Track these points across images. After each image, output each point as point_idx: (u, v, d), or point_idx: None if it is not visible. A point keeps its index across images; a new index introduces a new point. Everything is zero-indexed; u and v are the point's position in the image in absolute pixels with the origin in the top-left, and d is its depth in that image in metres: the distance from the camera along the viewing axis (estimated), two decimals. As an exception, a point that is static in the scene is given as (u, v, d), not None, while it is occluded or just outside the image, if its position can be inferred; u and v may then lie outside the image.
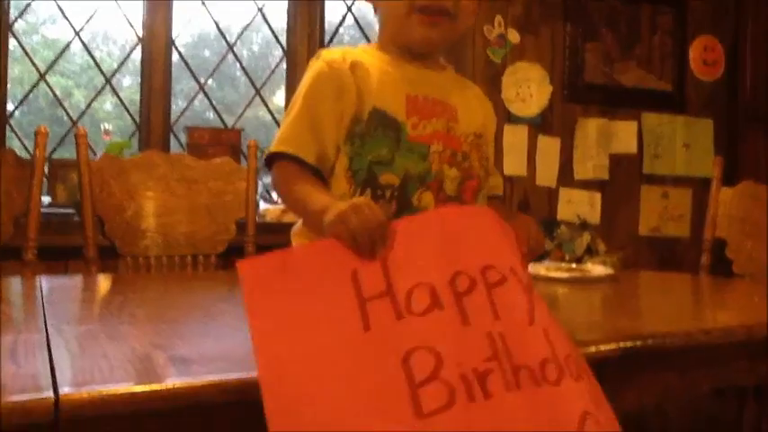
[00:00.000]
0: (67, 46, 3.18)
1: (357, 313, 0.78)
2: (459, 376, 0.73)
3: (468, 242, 0.85)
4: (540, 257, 2.26)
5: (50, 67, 3.15)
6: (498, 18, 3.08)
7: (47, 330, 0.95)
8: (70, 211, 2.62)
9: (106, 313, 1.20)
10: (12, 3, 3.03)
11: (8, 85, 3.02)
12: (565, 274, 1.69)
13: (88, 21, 3.16)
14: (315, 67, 1.05)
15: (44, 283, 1.46)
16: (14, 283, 1.51)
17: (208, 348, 0.90)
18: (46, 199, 2.67)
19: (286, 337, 0.77)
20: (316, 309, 0.79)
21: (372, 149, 1.00)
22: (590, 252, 2.65)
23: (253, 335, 0.77)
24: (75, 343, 0.90)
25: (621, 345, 1.00)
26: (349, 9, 3.49)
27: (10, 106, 3.08)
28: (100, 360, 0.80)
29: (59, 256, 2.40)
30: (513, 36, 3.10)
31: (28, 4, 3.12)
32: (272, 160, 1.04)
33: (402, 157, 1.00)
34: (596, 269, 1.77)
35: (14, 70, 3.19)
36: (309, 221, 1.01)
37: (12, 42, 3.05)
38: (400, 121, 1.01)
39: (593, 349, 0.97)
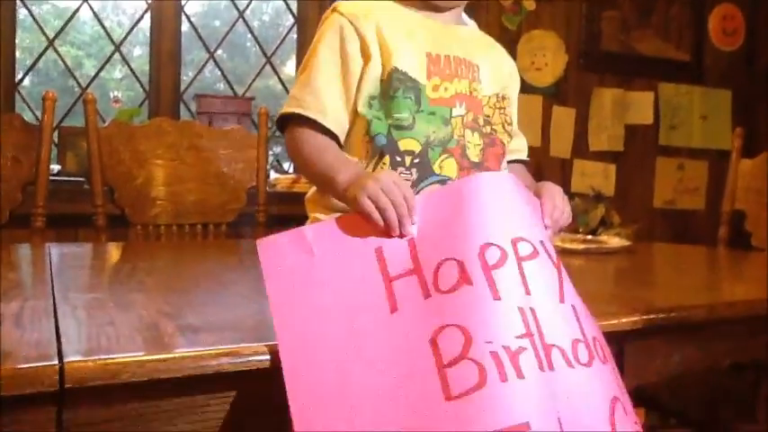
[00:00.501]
0: (76, 11, 3.15)
1: (383, 294, 0.75)
2: (489, 354, 0.69)
3: (497, 212, 0.81)
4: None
5: (58, 33, 3.12)
6: (514, -16, 3.02)
7: (54, 297, 0.93)
8: (80, 179, 2.61)
9: (115, 281, 1.18)
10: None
11: (18, 54, 3.00)
12: (581, 246, 1.66)
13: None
14: (330, 20, 0.99)
15: (53, 250, 1.45)
16: (23, 250, 1.49)
17: (217, 317, 0.88)
18: (55, 167, 2.66)
19: (309, 322, 0.73)
20: (339, 290, 0.75)
21: (392, 111, 0.95)
22: (604, 224, 2.62)
23: (275, 318, 0.74)
24: (82, 310, 0.88)
25: (644, 317, 0.97)
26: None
27: (20, 75, 3.05)
28: (107, 328, 0.79)
29: (70, 224, 2.38)
30: (529, 3, 3.04)
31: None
32: (285, 123, 0.99)
33: (423, 121, 0.95)
34: (612, 241, 1.74)
35: (24, 39, 3.16)
36: (329, 190, 0.95)
37: (22, 12, 3.01)
38: (421, 83, 0.96)
39: (614, 321, 0.94)
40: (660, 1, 3.30)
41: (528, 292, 0.75)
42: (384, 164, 0.95)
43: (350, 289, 0.75)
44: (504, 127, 1.04)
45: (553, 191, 0.94)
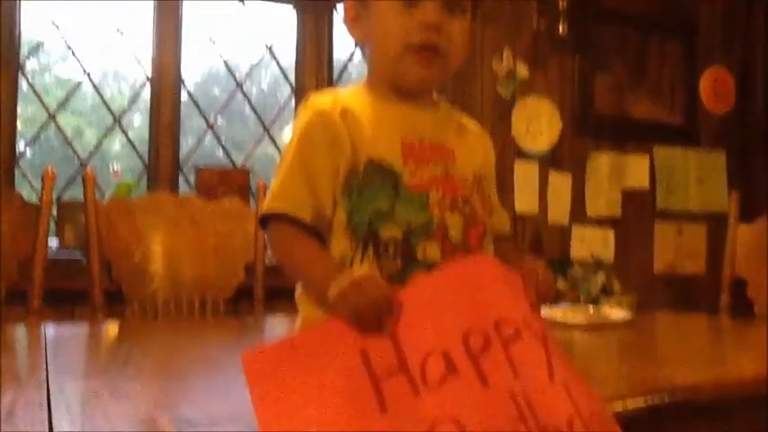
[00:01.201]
0: (77, 86, 3.19)
1: (372, 395, 0.74)
2: None
3: (477, 297, 0.82)
4: (554, 300, 2.21)
5: (60, 107, 3.16)
6: (506, 52, 3.07)
7: (48, 388, 0.91)
8: (78, 255, 2.60)
9: (111, 367, 1.16)
10: (24, 42, 3.05)
11: (18, 126, 3.03)
12: (582, 320, 1.64)
13: (98, 62, 3.17)
14: (305, 117, 0.99)
15: (49, 331, 1.43)
16: (19, 332, 1.48)
17: (214, 408, 0.87)
18: (53, 241, 2.65)
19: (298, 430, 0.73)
20: (327, 396, 0.75)
21: (371, 201, 0.94)
22: (605, 292, 2.60)
23: (260, 428, 0.73)
24: (76, 403, 0.86)
25: (650, 400, 0.95)
26: (357, 46, 3.49)
27: (21, 146, 3.08)
28: (101, 421, 0.77)
29: (66, 300, 2.37)
30: (522, 70, 3.08)
31: (40, 44, 3.14)
32: (266, 219, 0.98)
33: (402, 207, 0.94)
34: (614, 313, 1.73)
35: (26, 110, 3.21)
36: (311, 293, 0.96)
37: (24, 83, 3.06)
38: (397, 170, 0.96)
39: (619, 405, 0.92)
40: (651, 64, 3.36)
41: (516, 376, 0.75)
42: (368, 254, 0.94)
43: (338, 394, 0.75)
44: (482, 205, 1.04)
45: (535, 264, 0.94)
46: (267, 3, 3.45)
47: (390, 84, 1.03)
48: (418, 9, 0.97)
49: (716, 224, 3.24)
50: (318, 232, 0.96)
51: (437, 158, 1.00)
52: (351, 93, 1.04)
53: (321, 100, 1.01)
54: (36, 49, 3.15)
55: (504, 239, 1.11)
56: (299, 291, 1.01)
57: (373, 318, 0.79)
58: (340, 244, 0.96)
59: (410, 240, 0.95)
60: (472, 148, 1.08)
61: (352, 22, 1.06)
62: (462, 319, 0.79)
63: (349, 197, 0.96)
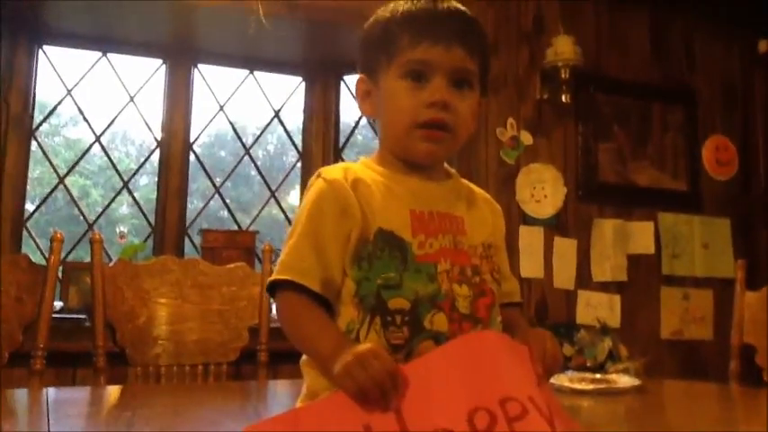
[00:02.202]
0: (88, 150, 3.24)
1: None
2: None
3: (482, 372, 0.82)
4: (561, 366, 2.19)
5: (70, 171, 3.20)
6: (511, 120, 3.12)
7: (50, 456, 0.90)
8: (81, 316, 2.60)
9: (113, 432, 1.15)
10: (36, 106, 3.11)
11: (28, 187, 3.06)
12: (590, 386, 1.62)
13: (109, 125, 3.23)
14: (316, 186, 1.00)
15: (51, 395, 1.42)
16: (21, 396, 1.46)
17: (218, 478, 0.85)
18: (57, 303, 2.65)
19: None
20: None
21: (380, 272, 0.95)
22: (612, 357, 2.57)
23: None
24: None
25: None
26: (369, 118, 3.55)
27: (29, 206, 3.11)
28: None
29: (69, 362, 2.35)
30: (526, 137, 3.13)
31: (53, 108, 3.20)
32: (275, 287, 0.98)
33: (410, 279, 0.95)
34: (622, 380, 1.71)
35: (35, 171, 3.25)
36: (316, 365, 0.95)
37: (33, 144, 3.11)
38: (407, 241, 0.97)
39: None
40: (654, 131, 3.40)
41: None
42: (375, 323, 0.94)
43: None
44: (492, 275, 1.03)
45: (542, 336, 0.94)
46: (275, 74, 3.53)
47: (400, 158, 1.04)
48: (427, 88, 1.00)
49: (722, 290, 3.23)
50: (326, 301, 0.96)
51: (446, 229, 1.01)
52: (361, 165, 1.06)
53: (332, 170, 1.03)
54: (50, 114, 3.21)
55: (513, 308, 1.11)
56: (304, 357, 1.00)
57: (377, 393, 0.79)
58: (348, 313, 0.96)
59: (417, 310, 0.94)
60: (482, 217, 1.08)
61: (362, 98, 1.09)
62: (468, 395, 0.79)
63: (359, 266, 0.96)
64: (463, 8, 1.04)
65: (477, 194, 1.13)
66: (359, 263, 0.96)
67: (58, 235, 1.75)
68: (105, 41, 3.17)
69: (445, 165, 1.10)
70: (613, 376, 1.77)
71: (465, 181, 1.12)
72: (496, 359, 0.84)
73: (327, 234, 0.97)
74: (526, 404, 0.79)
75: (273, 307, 2.79)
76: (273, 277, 0.97)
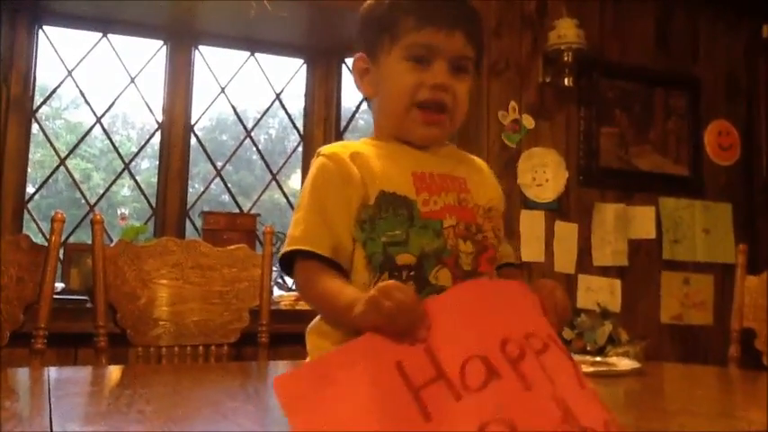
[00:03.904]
0: (89, 132, 3.23)
1: (413, 405, 0.73)
2: None
3: (504, 312, 0.83)
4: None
5: (70, 152, 3.20)
6: (513, 104, 3.11)
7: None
8: (83, 297, 2.60)
9: (114, 411, 1.15)
10: (37, 88, 3.10)
11: (28, 170, 3.06)
12: (590, 369, 1.62)
13: (110, 107, 3.22)
14: (316, 162, 1.05)
15: (52, 374, 1.42)
16: (22, 375, 1.47)
17: (218, 455, 0.85)
18: (59, 285, 2.66)
19: None
20: (368, 412, 0.73)
21: (385, 230, 0.98)
22: (612, 341, 2.58)
23: None
24: (79, 448, 0.85)
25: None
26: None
27: (30, 189, 3.11)
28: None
29: (70, 343, 2.36)
30: (528, 121, 3.12)
31: (53, 91, 3.19)
32: (289, 261, 1.01)
33: (416, 234, 0.98)
34: (622, 363, 1.71)
35: (36, 153, 3.24)
36: (338, 321, 0.97)
37: (34, 126, 3.10)
38: (411, 199, 1.00)
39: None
40: (656, 116, 3.39)
41: (552, 382, 0.76)
42: (383, 279, 0.97)
43: (379, 409, 0.74)
44: (494, 232, 1.06)
45: (551, 286, 0.94)
46: (277, 56, 3.52)
47: (398, 138, 1.06)
48: (428, 70, 1.03)
49: (723, 275, 3.23)
50: (338, 266, 0.99)
51: (449, 188, 1.04)
52: (359, 142, 1.09)
53: (330, 146, 1.06)
54: (50, 95, 3.20)
55: (512, 268, 1.13)
56: (311, 325, 1.02)
57: (405, 320, 0.78)
58: (360, 277, 0.99)
59: (423, 265, 0.98)
60: (482, 180, 1.12)
61: (361, 76, 1.12)
62: (496, 327, 0.79)
63: (362, 229, 0.99)
64: None
65: (475, 160, 1.16)
66: (362, 225, 0.99)
67: (59, 215, 1.74)
68: (105, 22, 3.16)
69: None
70: (613, 359, 1.78)
71: (461, 150, 1.15)
72: (516, 300, 0.85)
73: (332, 202, 1.00)
74: (547, 341, 0.81)
75: (275, 289, 2.80)
76: (284, 250, 1.01)
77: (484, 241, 1.03)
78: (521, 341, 0.78)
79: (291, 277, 1.04)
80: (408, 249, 0.97)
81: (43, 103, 3.16)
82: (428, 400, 0.74)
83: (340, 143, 1.08)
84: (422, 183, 1.02)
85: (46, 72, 3.14)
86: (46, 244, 1.77)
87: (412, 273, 0.97)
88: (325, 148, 1.06)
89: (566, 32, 3.01)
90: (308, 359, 1.02)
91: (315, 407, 0.75)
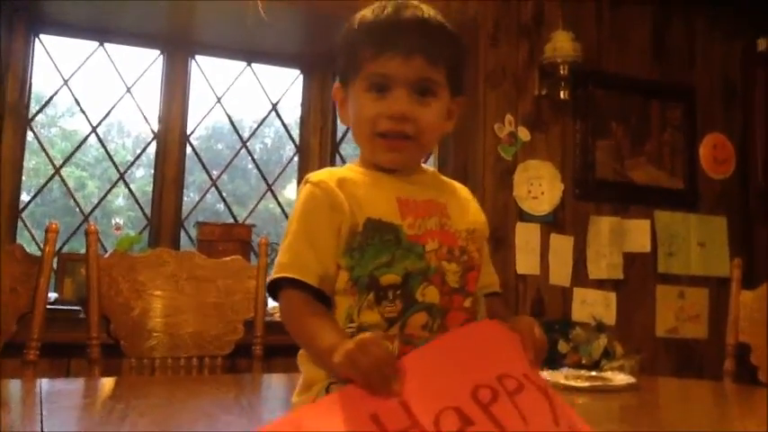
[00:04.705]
0: (84, 141, 3.23)
1: None
2: None
3: (479, 357, 0.85)
4: (556, 363, 2.19)
5: (66, 161, 3.19)
6: (508, 116, 3.11)
7: (42, 447, 0.89)
8: (76, 308, 2.59)
9: (106, 424, 1.14)
10: (32, 96, 3.09)
11: (23, 177, 3.05)
12: (585, 383, 1.62)
13: (106, 116, 3.22)
14: (304, 190, 1.04)
15: (44, 386, 1.41)
16: (14, 386, 1.45)
17: (212, 471, 0.84)
18: (52, 295, 2.64)
19: None
20: None
21: (373, 258, 0.97)
22: (607, 355, 2.57)
23: None
24: (71, 463, 0.84)
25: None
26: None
27: (24, 197, 3.10)
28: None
29: (63, 353, 2.34)
30: (524, 134, 3.12)
31: (49, 99, 3.18)
32: (276, 288, 1.01)
33: (400, 257, 0.98)
34: (617, 377, 1.71)
35: (31, 161, 3.24)
36: (317, 360, 0.97)
37: (29, 134, 3.09)
38: (397, 224, 1.00)
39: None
40: (652, 128, 3.39)
41: (526, 423, 0.78)
42: (369, 300, 0.96)
43: None
44: (478, 252, 1.07)
45: (529, 323, 0.96)
46: (273, 66, 3.52)
47: (374, 165, 1.07)
48: (387, 98, 1.02)
49: (718, 288, 3.24)
50: (323, 295, 0.98)
51: (432, 212, 1.04)
52: (345, 168, 1.10)
53: (318, 174, 1.06)
54: (46, 104, 3.20)
55: (495, 297, 1.13)
56: (302, 350, 1.01)
57: (380, 375, 0.80)
58: (345, 302, 0.98)
59: (409, 283, 0.97)
60: (463, 206, 1.11)
61: (340, 105, 1.12)
62: (468, 376, 0.82)
63: (350, 256, 0.98)
64: (428, 14, 1.05)
65: (457, 187, 1.16)
66: (350, 253, 0.98)
67: (53, 225, 1.74)
68: (102, 31, 3.15)
69: (422, 164, 1.13)
70: (608, 374, 1.77)
71: (443, 176, 1.16)
72: (492, 344, 0.88)
73: (320, 229, 1.00)
74: (522, 380, 0.83)
75: (269, 301, 2.80)
76: (272, 277, 1.00)
77: (470, 261, 1.04)
78: (492, 384, 0.81)
79: (278, 304, 1.03)
80: (392, 270, 0.97)
81: (39, 111, 3.15)
82: None
83: (327, 170, 1.08)
84: (407, 207, 1.02)
85: (42, 80, 3.14)
86: (39, 253, 1.76)
87: (398, 291, 0.96)
88: (313, 176, 1.06)
89: (562, 45, 3.02)
90: (300, 382, 1.02)
91: None
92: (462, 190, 1.16)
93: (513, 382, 0.82)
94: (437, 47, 1.04)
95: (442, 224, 1.03)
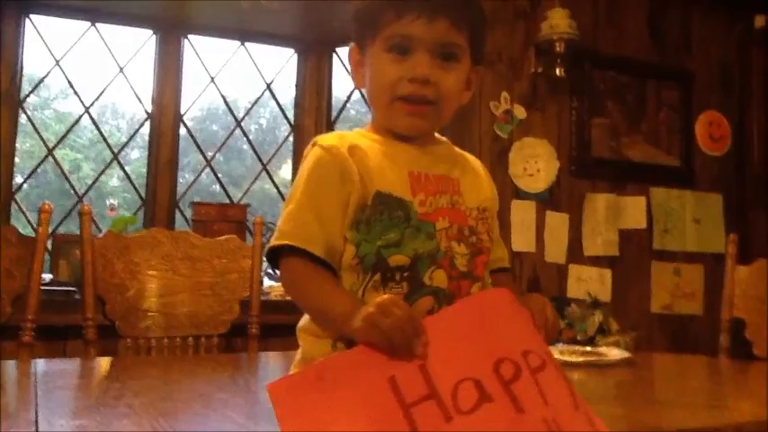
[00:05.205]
0: (77, 122, 3.21)
1: (403, 422, 0.74)
2: None
3: (501, 328, 0.83)
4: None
5: (58, 142, 3.17)
6: (504, 94, 3.10)
7: (37, 426, 0.90)
8: (72, 288, 2.58)
9: (102, 404, 1.14)
10: (25, 78, 3.07)
11: (17, 159, 3.03)
12: (580, 358, 1.63)
13: (98, 96, 3.20)
14: (313, 153, 1.00)
15: (40, 367, 1.41)
16: (9, 367, 1.45)
17: (207, 448, 0.85)
18: (47, 276, 2.64)
19: None
20: (357, 422, 0.74)
21: (381, 234, 0.95)
22: (602, 331, 2.58)
23: None
24: (65, 442, 0.84)
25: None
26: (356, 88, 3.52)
27: (18, 179, 3.08)
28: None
29: (59, 335, 2.35)
30: (520, 112, 3.11)
31: (41, 80, 3.16)
32: (276, 255, 0.97)
33: (410, 237, 0.95)
34: (612, 352, 1.71)
35: (25, 143, 3.22)
36: (330, 327, 0.95)
37: (22, 116, 3.07)
38: (407, 201, 0.97)
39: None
40: (648, 108, 3.38)
41: (546, 403, 0.77)
42: (375, 281, 0.94)
43: (368, 420, 0.74)
44: (488, 235, 1.05)
45: (542, 303, 0.94)
46: (268, 46, 3.50)
47: (387, 129, 1.04)
48: (409, 61, 0.99)
49: (713, 265, 3.24)
50: (330, 266, 0.96)
51: (444, 189, 1.01)
52: (356, 133, 1.06)
53: (328, 137, 1.02)
54: (38, 85, 3.17)
55: (503, 274, 1.12)
56: (302, 323, 1.00)
57: (402, 338, 0.79)
58: (349, 278, 0.96)
59: (417, 266, 0.95)
60: (476, 181, 1.09)
61: (355, 68, 1.08)
62: (491, 347, 0.80)
63: (357, 230, 0.96)
64: None
65: (470, 160, 1.13)
66: (357, 226, 0.96)
67: (47, 206, 1.73)
68: (94, 11, 3.12)
69: (436, 134, 1.09)
70: (603, 349, 1.78)
71: (457, 148, 1.12)
72: (511, 316, 0.86)
73: (328, 200, 0.96)
74: (545, 358, 0.82)
75: (265, 280, 2.79)
76: (275, 243, 0.97)
77: (478, 244, 1.02)
78: (517, 359, 0.79)
79: (276, 270, 1.01)
80: (402, 251, 0.94)
81: (30, 92, 3.13)
82: (419, 418, 0.74)
83: (337, 133, 1.04)
84: (418, 183, 0.99)
85: (34, 62, 3.11)
86: (34, 235, 1.76)
87: (406, 274, 0.94)
88: (323, 139, 1.01)
89: (558, 23, 3.00)
90: (298, 356, 1.00)
91: (306, 415, 0.76)
92: (475, 162, 1.13)
93: (536, 359, 0.80)
94: (461, 10, 1.01)
95: (453, 202, 1.01)
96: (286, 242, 0.95)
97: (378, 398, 0.76)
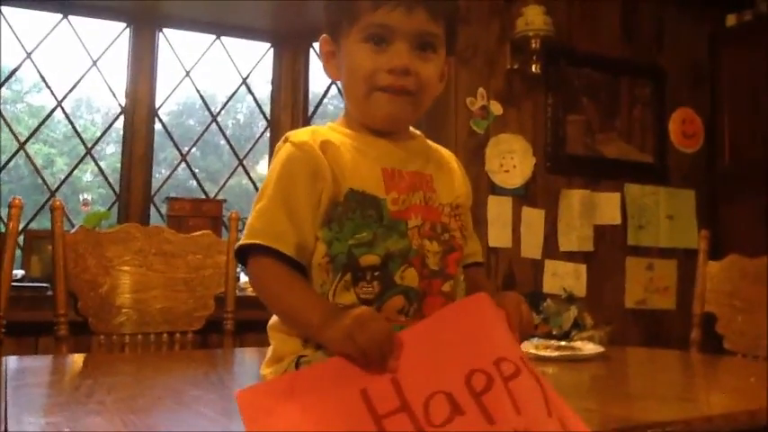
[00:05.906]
0: (49, 115, 3.16)
1: None
2: None
3: (475, 337, 0.83)
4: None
5: (30, 136, 3.13)
6: (481, 90, 3.11)
7: (5, 424, 0.88)
8: (44, 284, 2.55)
9: (73, 401, 1.13)
10: (-4, 71, 3.02)
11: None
12: (554, 353, 1.64)
13: (71, 90, 3.15)
14: (284, 150, 0.99)
15: (10, 364, 1.39)
16: (-22, 365, 1.43)
17: (178, 445, 0.84)
18: (19, 272, 2.60)
19: None
20: None
21: (353, 233, 0.94)
22: (577, 326, 2.61)
23: None
24: (34, 440, 0.83)
25: (620, 438, 0.94)
26: (332, 82, 3.51)
27: (-12, 174, 3.03)
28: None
29: (30, 332, 2.32)
30: (496, 108, 3.12)
31: (11, 73, 3.11)
32: (246, 253, 0.96)
33: (382, 236, 0.94)
34: (586, 347, 1.73)
35: (-3, 138, 3.17)
36: (300, 329, 0.94)
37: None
38: (380, 198, 0.96)
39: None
40: (622, 104, 3.41)
41: (519, 412, 0.77)
42: (346, 281, 0.94)
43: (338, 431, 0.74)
44: (461, 232, 1.04)
45: (516, 300, 0.94)
46: (243, 40, 3.47)
47: (363, 122, 1.03)
48: (387, 51, 0.98)
49: (686, 260, 3.28)
50: (300, 266, 0.95)
51: (417, 186, 1.01)
52: (328, 128, 1.05)
53: (300, 133, 1.01)
54: (9, 77, 3.12)
55: (476, 268, 1.12)
56: (272, 321, 0.99)
57: (376, 354, 0.79)
58: (319, 276, 0.95)
59: (388, 266, 0.94)
60: (450, 177, 1.08)
61: (326, 59, 1.07)
62: (463, 359, 0.80)
63: (329, 228, 0.95)
64: None
65: (444, 154, 1.13)
66: (329, 224, 0.95)
67: (17, 201, 1.70)
68: (66, 3, 3.08)
69: (411, 128, 1.09)
70: (578, 344, 1.79)
71: (430, 142, 1.12)
72: (488, 322, 0.86)
73: (299, 198, 0.95)
74: (519, 365, 0.81)
75: (241, 276, 2.78)
76: (244, 241, 0.95)
77: (451, 241, 1.01)
78: (490, 370, 0.79)
79: (245, 268, 0.99)
80: (373, 250, 0.94)
81: (1, 85, 3.08)
82: (390, 429, 0.74)
83: (309, 129, 1.03)
84: (391, 180, 0.98)
85: (5, 54, 3.06)
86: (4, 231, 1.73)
87: (377, 273, 0.94)
88: (294, 135, 1.00)
89: (533, 19, 3.01)
90: (269, 354, 1.00)
91: (275, 424, 0.75)
92: (449, 156, 1.13)
93: (510, 367, 0.80)
94: (438, 1, 1.00)
95: (426, 199, 1.01)
96: (256, 241, 0.94)
97: (349, 409, 0.75)
